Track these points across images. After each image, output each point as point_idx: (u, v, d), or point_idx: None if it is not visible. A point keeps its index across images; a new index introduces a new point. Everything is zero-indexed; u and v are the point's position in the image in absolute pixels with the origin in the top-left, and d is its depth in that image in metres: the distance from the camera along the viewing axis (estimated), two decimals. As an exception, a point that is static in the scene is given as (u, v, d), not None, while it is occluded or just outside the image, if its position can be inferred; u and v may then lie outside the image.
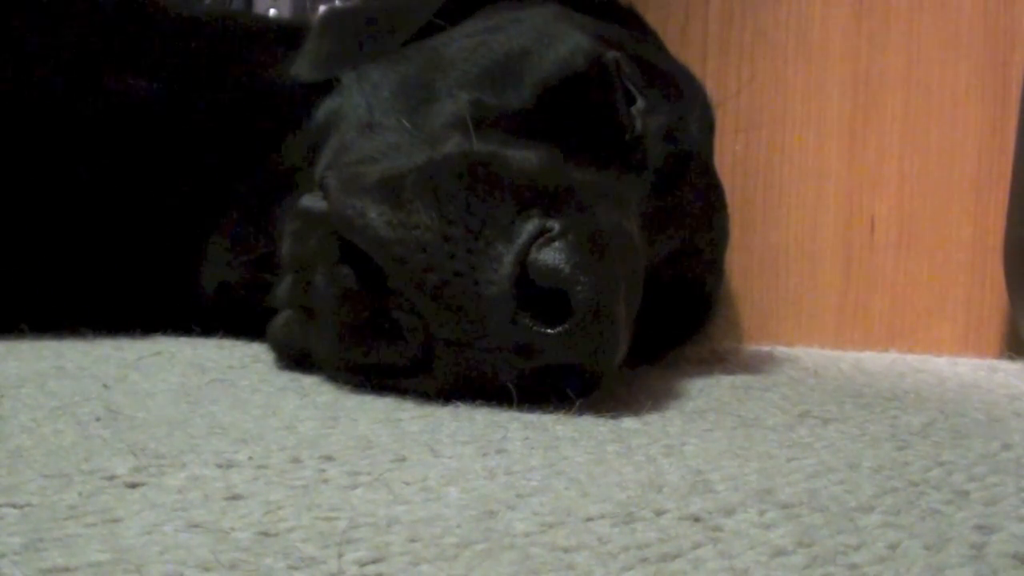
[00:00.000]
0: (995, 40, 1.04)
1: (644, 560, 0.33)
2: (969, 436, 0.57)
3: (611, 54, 0.71)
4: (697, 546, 0.34)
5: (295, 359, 0.66)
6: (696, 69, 0.90)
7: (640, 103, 0.70)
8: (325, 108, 0.77)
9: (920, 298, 1.06)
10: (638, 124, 0.70)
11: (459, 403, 0.56)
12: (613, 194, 0.62)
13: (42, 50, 0.76)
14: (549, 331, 0.53)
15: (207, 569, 0.30)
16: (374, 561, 0.31)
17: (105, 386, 0.57)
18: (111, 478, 0.38)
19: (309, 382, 0.62)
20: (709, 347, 0.93)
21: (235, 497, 0.37)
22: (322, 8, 1.12)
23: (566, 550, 0.33)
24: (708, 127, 0.80)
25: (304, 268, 0.62)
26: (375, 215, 0.56)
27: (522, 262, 0.53)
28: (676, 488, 0.42)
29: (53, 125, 0.75)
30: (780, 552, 0.34)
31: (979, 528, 0.38)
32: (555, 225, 0.54)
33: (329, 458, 0.43)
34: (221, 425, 0.49)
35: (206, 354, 0.70)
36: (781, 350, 1.00)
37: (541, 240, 0.53)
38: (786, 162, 1.09)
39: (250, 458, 0.42)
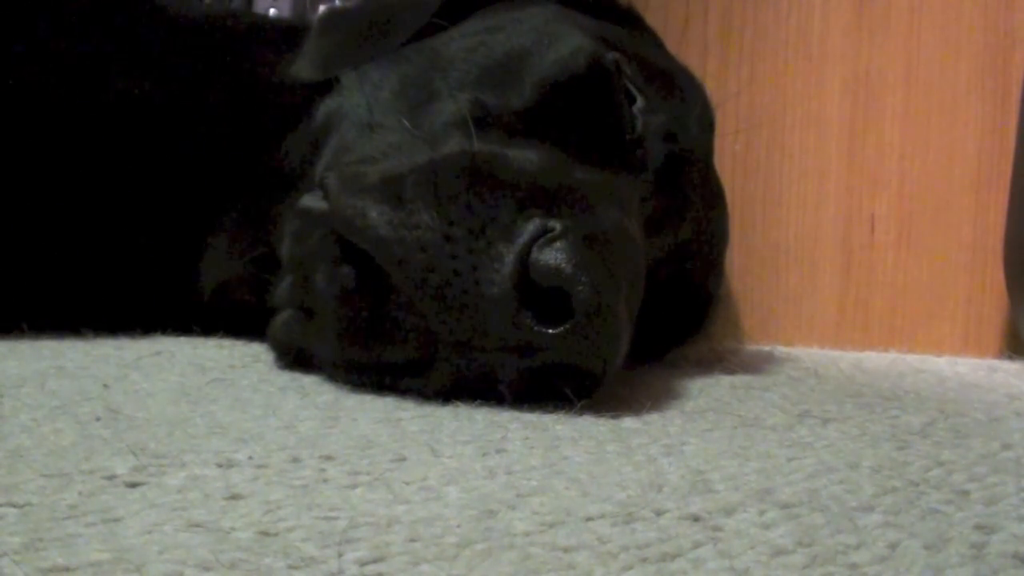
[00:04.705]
0: (995, 40, 1.04)
1: (644, 560, 0.33)
2: (969, 436, 0.57)
3: (611, 54, 0.71)
4: (697, 546, 0.34)
5: (295, 359, 0.66)
6: (696, 69, 0.89)
7: (640, 103, 0.70)
8: (325, 108, 0.76)
9: (920, 298, 1.06)
10: (638, 124, 0.70)
11: (459, 403, 0.56)
12: (614, 194, 0.62)
13: (43, 51, 0.76)
14: (550, 331, 0.53)
15: (207, 569, 0.30)
16: (374, 561, 0.31)
17: (105, 386, 0.57)
18: (111, 478, 0.38)
19: (309, 382, 0.62)
20: (709, 347, 0.93)
21: (235, 497, 0.37)
22: (322, 8, 1.12)
23: (566, 550, 0.33)
24: (708, 127, 0.80)
25: (304, 268, 0.62)
26: (376, 215, 0.56)
27: (523, 262, 0.53)
28: (676, 488, 0.42)
29: (54, 125, 0.75)
30: (780, 552, 0.34)
31: (979, 528, 0.38)
32: (556, 225, 0.54)
33: (329, 458, 0.43)
34: (221, 425, 0.49)
35: (206, 354, 0.70)
36: (781, 350, 1.00)
37: (542, 240, 0.53)
38: (786, 161, 1.09)
39: (250, 458, 0.42)
